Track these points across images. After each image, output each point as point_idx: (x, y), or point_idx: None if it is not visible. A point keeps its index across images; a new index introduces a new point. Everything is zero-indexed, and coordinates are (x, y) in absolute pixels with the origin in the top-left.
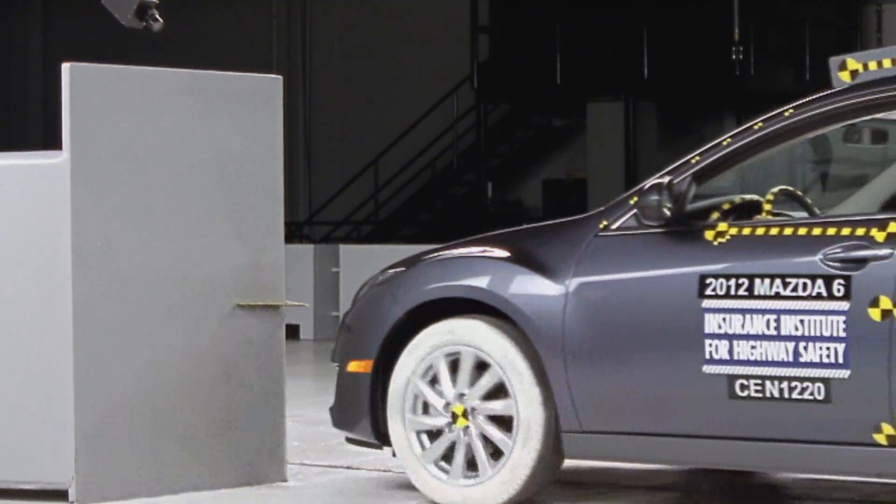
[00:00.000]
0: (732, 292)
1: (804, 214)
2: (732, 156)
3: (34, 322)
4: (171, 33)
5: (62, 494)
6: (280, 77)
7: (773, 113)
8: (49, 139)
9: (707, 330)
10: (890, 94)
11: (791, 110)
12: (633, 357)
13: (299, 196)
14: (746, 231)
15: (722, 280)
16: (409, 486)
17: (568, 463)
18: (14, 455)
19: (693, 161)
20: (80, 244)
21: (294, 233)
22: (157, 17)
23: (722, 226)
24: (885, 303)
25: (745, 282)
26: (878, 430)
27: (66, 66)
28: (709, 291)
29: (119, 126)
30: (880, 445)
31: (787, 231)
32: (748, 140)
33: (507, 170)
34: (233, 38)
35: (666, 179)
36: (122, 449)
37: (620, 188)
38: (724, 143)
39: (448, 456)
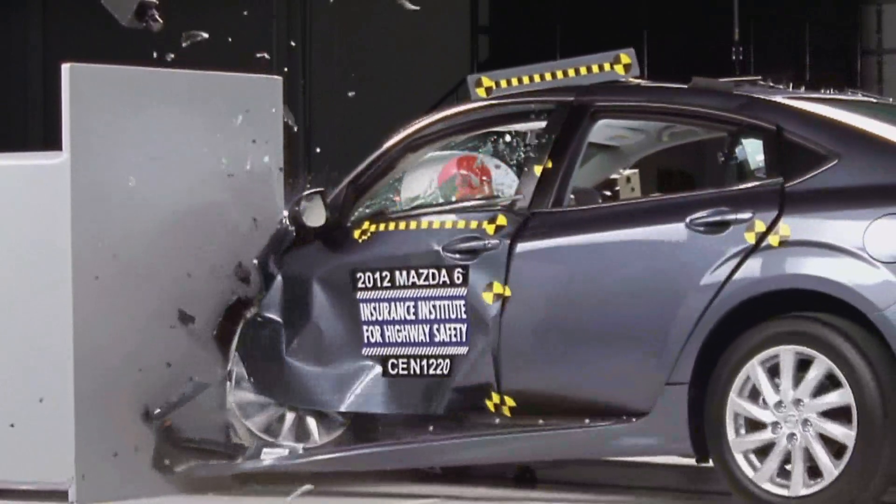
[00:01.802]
0: (378, 284)
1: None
2: (382, 167)
3: (34, 322)
4: (171, 33)
5: (62, 494)
6: (280, 77)
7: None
8: (49, 139)
9: (363, 318)
10: (511, 107)
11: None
12: (319, 346)
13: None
14: (383, 227)
15: (369, 273)
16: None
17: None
18: (14, 455)
19: (355, 173)
20: (80, 244)
21: None
22: (157, 17)
23: (365, 224)
24: (497, 287)
25: (388, 274)
26: (489, 398)
27: (66, 67)
28: (360, 284)
29: (119, 126)
30: (490, 413)
31: (413, 225)
32: (394, 152)
33: None
34: (233, 38)
35: (313, 190)
36: (122, 449)
37: None
38: (375, 155)
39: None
